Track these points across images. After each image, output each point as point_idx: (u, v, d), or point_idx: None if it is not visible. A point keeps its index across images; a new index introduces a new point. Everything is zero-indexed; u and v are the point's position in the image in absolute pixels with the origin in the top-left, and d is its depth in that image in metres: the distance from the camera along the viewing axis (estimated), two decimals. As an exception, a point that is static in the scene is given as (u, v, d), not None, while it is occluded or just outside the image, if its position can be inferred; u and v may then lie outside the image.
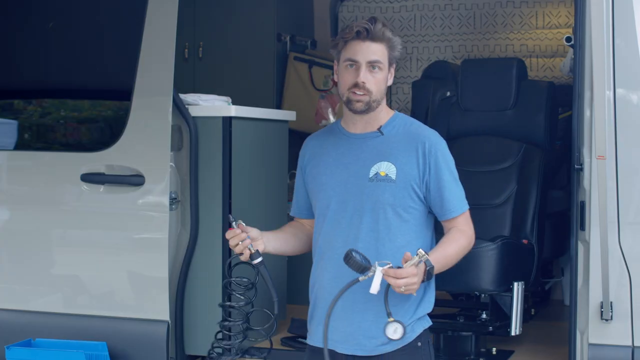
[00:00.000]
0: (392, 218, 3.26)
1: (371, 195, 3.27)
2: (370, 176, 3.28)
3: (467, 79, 5.21)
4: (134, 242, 4.36)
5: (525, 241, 4.73)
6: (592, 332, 3.83)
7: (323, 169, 3.39)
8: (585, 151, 3.87)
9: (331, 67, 6.15)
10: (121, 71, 4.48)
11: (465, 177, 4.90)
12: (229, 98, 4.56)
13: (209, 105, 4.45)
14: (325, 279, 3.33)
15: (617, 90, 3.78)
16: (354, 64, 3.26)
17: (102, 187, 4.40)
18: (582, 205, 3.88)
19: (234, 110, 4.43)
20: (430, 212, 3.36)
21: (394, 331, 3.10)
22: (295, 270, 4.99)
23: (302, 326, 4.14)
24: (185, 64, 6.17)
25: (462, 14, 6.55)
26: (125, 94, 4.36)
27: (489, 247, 4.37)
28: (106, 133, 4.61)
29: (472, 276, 4.40)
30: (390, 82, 3.35)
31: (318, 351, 3.36)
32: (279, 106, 6.28)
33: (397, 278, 3.02)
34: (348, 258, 3.06)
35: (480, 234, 4.47)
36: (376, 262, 3.08)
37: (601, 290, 3.75)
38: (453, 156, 4.97)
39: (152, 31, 4.31)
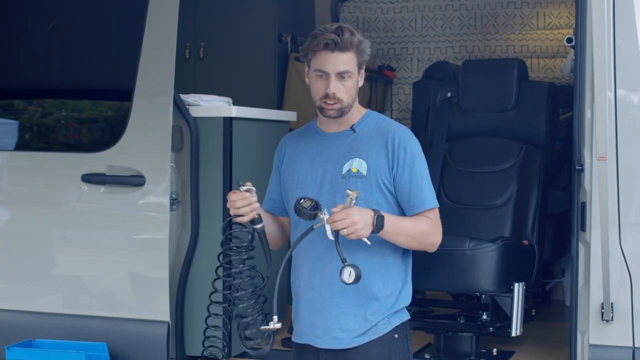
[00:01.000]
0: None
1: (344, 191, 3.28)
2: (343, 173, 3.33)
3: (468, 79, 5.21)
4: (135, 242, 4.36)
5: (526, 242, 4.74)
6: (592, 333, 3.83)
7: (299, 167, 3.43)
8: (586, 152, 3.87)
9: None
10: (122, 71, 4.49)
11: (466, 178, 4.95)
12: (229, 99, 4.56)
13: (210, 106, 4.45)
14: (304, 275, 3.37)
15: (618, 91, 3.78)
16: (324, 74, 3.32)
17: (102, 188, 4.40)
18: (583, 206, 3.88)
19: (235, 111, 4.43)
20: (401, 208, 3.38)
21: (349, 275, 3.11)
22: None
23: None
24: (186, 64, 6.17)
25: (463, 15, 6.56)
26: (126, 95, 4.36)
27: (489, 248, 4.37)
28: (107, 133, 4.61)
29: (473, 277, 4.41)
30: (360, 84, 3.41)
31: (304, 348, 3.40)
32: (279, 107, 6.27)
33: (335, 221, 3.08)
34: (297, 209, 3.15)
35: (481, 235, 4.50)
36: (325, 210, 3.15)
37: (602, 291, 3.75)
38: (454, 157, 5.04)
39: (153, 31, 4.31)
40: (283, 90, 6.36)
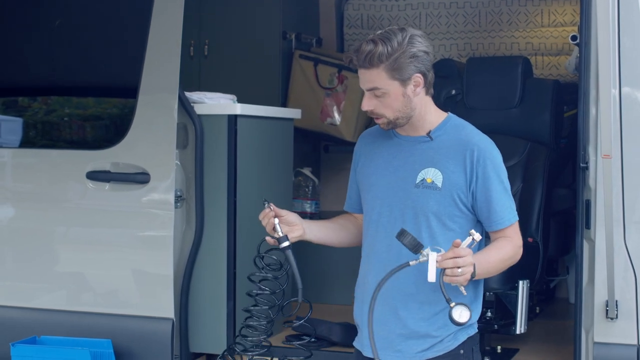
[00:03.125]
0: (436, 226, 3.20)
1: (416, 201, 3.21)
2: (417, 182, 3.22)
3: (473, 77, 5.20)
4: (139, 239, 4.36)
5: (530, 239, 4.73)
6: (597, 330, 3.83)
7: (373, 169, 3.35)
8: (591, 150, 3.86)
9: (336, 65, 6.20)
10: (127, 69, 4.49)
11: (470, 176, 4.93)
12: (234, 96, 4.56)
13: (215, 104, 4.45)
14: (369, 281, 3.29)
15: (622, 88, 3.78)
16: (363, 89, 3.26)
17: (107, 185, 4.40)
18: (588, 203, 3.87)
19: (240, 109, 4.44)
20: (478, 221, 3.28)
21: (460, 315, 2.98)
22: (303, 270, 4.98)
23: (305, 325, 4.13)
24: (191, 61, 6.17)
25: (467, 12, 6.54)
26: (131, 92, 4.37)
27: (494, 245, 4.36)
28: (112, 131, 4.62)
29: (477, 274, 4.40)
30: (417, 92, 3.26)
31: (365, 357, 3.34)
32: (284, 104, 6.27)
33: (456, 258, 2.93)
34: (402, 235, 2.98)
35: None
36: (428, 248, 3.01)
37: (606, 288, 3.75)
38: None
39: (158, 29, 4.31)
40: (287, 88, 6.36)
